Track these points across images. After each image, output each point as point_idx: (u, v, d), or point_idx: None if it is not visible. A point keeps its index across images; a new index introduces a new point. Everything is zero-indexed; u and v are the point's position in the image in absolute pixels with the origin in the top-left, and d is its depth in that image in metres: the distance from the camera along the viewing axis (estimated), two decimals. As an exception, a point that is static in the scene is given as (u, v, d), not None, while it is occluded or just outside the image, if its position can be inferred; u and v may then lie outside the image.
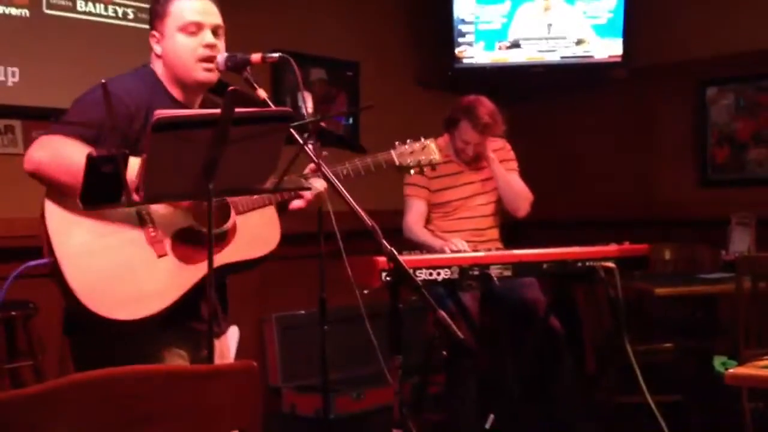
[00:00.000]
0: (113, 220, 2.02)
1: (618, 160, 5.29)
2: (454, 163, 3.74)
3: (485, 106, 3.60)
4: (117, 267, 2.01)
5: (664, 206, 4.99)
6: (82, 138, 1.99)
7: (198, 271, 2.03)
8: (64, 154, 1.95)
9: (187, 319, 2.10)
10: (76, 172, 1.82)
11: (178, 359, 2.10)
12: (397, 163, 2.50)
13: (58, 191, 2.01)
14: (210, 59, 2.15)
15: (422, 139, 2.55)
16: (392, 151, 2.51)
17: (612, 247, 3.27)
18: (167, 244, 2.07)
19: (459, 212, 3.74)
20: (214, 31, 2.17)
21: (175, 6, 2.16)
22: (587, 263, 3.20)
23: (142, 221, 2.05)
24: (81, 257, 1.98)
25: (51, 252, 1.98)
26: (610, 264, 3.18)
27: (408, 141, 2.54)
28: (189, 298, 2.06)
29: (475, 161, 3.75)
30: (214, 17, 2.19)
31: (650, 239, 3.49)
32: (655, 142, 5.16)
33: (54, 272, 1.99)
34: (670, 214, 4.87)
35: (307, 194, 2.33)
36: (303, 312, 4.36)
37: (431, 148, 2.54)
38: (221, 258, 2.13)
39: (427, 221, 3.77)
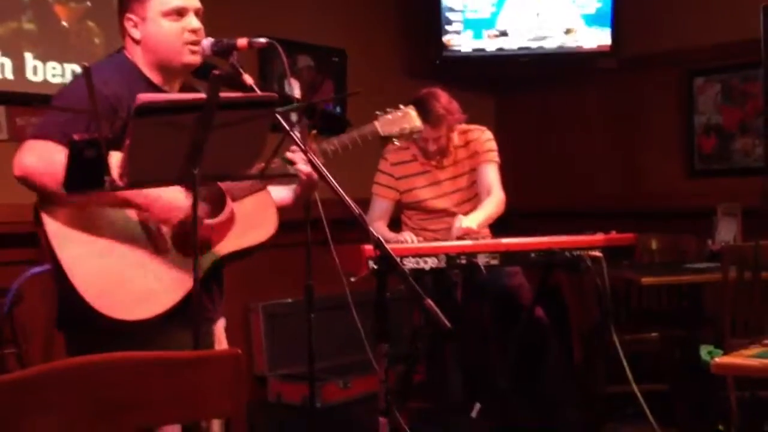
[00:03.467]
0: (112, 220, 2.01)
1: (606, 150, 5.29)
2: (419, 162, 3.64)
3: (437, 98, 3.46)
4: (122, 267, 2.00)
5: (651, 196, 5.00)
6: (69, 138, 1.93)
7: (202, 261, 2.01)
8: (54, 162, 1.91)
9: (187, 307, 2.08)
10: (63, 178, 1.80)
11: (178, 347, 2.09)
12: (382, 133, 2.50)
13: (49, 199, 1.98)
14: (196, 43, 2.13)
15: (401, 107, 2.54)
16: (375, 122, 2.50)
17: (599, 237, 3.28)
18: (169, 238, 2.06)
19: (435, 210, 3.64)
20: (196, 14, 2.15)
21: None
22: (574, 252, 3.20)
23: (141, 221, 2.04)
24: (85, 260, 1.96)
25: (53, 258, 1.97)
26: (597, 253, 3.18)
27: (388, 110, 2.53)
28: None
29: (441, 157, 3.62)
30: (196, 1, 2.17)
31: (637, 229, 3.50)
32: (642, 132, 5.16)
33: (58, 277, 1.97)
34: (657, 204, 4.88)
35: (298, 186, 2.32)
36: (289, 300, 4.34)
37: (411, 116, 2.54)
38: (223, 247, 2.14)
39: (410, 221, 3.71)
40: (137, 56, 2.17)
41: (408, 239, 3.37)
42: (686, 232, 4.44)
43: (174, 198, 2.03)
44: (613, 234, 3.32)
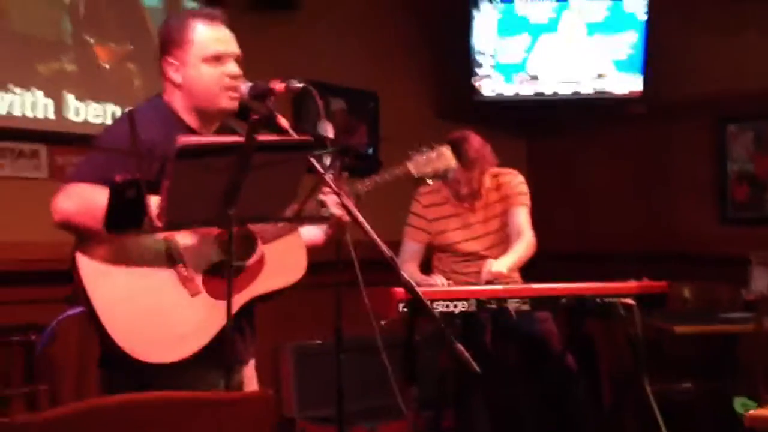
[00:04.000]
0: (145, 263, 2.04)
1: (637, 195, 5.27)
2: (451, 205, 3.65)
3: (469, 141, 3.49)
4: (152, 310, 2.02)
5: (683, 242, 4.96)
6: (107, 181, 1.95)
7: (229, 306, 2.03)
8: (92, 203, 1.94)
9: (220, 349, 2.10)
10: (102, 218, 1.83)
11: (209, 388, 2.10)
12: (415, 174, 2.50)
13: (85, 240, 2.01)
14: (235, 89, 2.16)
15: (435, 146, 2.54)
16: (408, 163, 2.50)
17: (631, 284, 3.24)
18: (199, 281, 2.08)
19: (466, 253, 3.63)
20: (235, 60, 2.19)
21: (197, 35, 2.16)
22: (606, 299, 3.17)
23: (172, 261, 2.06)
24: (116, 304, 1.99)
25: (87, 300, 2.00)
26: (630, 301, 3.14)
27: (423, 149, 2.53)
28: (224, 331, 2.07)
29: (473, 200, 3.62)
30: (235, 46, 2.21)
31: (668, 275, 3.46)
32: (674, 178, 5.14)
33: (91, 320, 2.01)
34: (689, 250, 4.84)
35: (329, 228, 2.34)
36: (319, 341, 4.34)
37: (445, 155, 2.53)
38: (252, 290, 2.15)
39: (441, 263, 3.71)
40: (176, 100, 2.20)
41: (438, 282, 3.37)
42: (719, 280, 4.39)
43: (205, 233, 2.07)
44: (645, 281, 3.28)
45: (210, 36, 2.16)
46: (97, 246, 2.01)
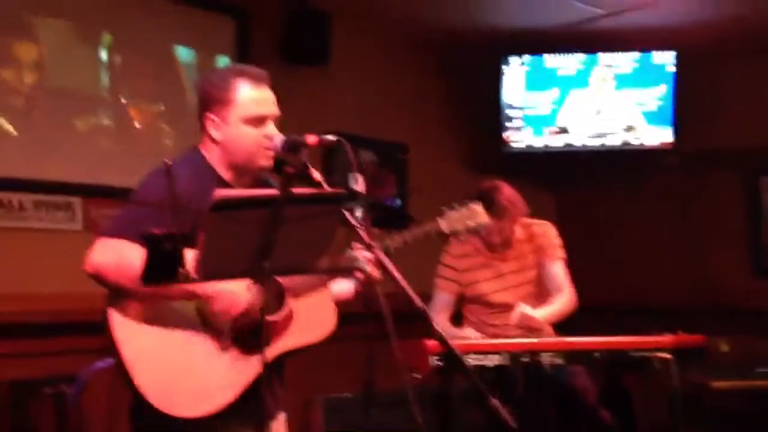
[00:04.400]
0: (175, 320, 2.06)
1: (669, 247, 5.22)
2: (482, 255, 3.63)
3: (501, 190, 3.49)
4: (182, 365, 2.04)
5: (718, 295, 4.90)
6: (143, 236, 1.96)
7: (259, 360, 2.03)
8: (126, 260, 1.97)
9: (250, 403, 2.10)
10: (135, 276, 1.84)
11: None
12: (445, 230, 2.49)
13: (118, 297, 2.04)
14: (272, 149, 2.19)
15: (468, 203, 2.54)
16: (439, 219, 2.50)
17: (667, 338, 3.19)
18: (228, 338, 2.09)
19: (497, 304, 3.60)
20: (274, 120, 2.22)
21: (240, 95, 2.18)
22: (641, 353, 3.12)
23: (203, 318, 2.08)
24: (147, 360, 2.01)
25: (118, 356, 2.02)
26: (666, 355, 3.09)
27: (454, 206, 2.53)
28: (251, 385, 2.09)
29: (504, 249, 3.62)
30: (275, 108, 2.24)
31: (704, 328, 3.40)
32: (707, 229, 5.10)
33: (121, 374, 2.02)
34: (724, 303, 4.78)
35: (357, 281, 2.34)
36: (350, 395, 4.30)
37: (477, 212, 2.53)
38: (280, 346, 2.16)
39: (471, 315, 3.68)
40: (213, 154, 2.24)
41: (471, 335, 3.34)
42: (756, 333, 4.31)
43: (237, 291, 2.06)
44: (681, 334, 3.23)
45: (253, 97, 2.19)
46: (130, 303, 2.03)
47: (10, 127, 3.67)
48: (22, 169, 3.68)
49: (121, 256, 2.01)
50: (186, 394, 2.01)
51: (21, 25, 3.70)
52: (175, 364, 2.03)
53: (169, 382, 2.01)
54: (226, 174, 2.23)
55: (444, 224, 2.52)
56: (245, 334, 2.09)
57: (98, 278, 2.04)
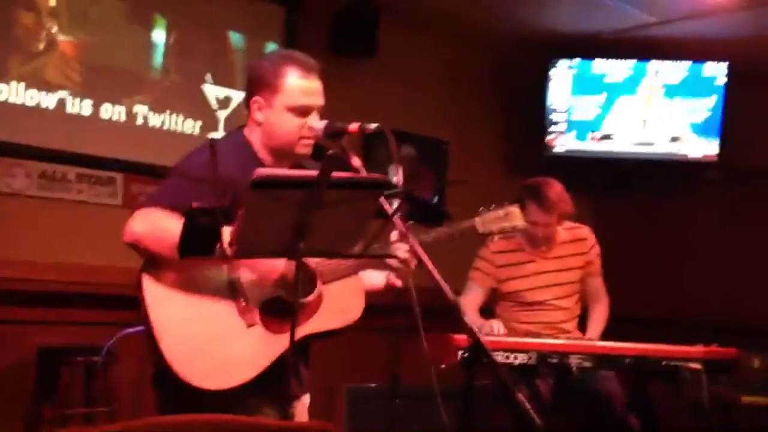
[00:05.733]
0: (206, 291, 2.08)
1: (707, 260, 5.15)
2: (523, 252, 3.62)
3: (552, 186, 3.50)
4: (208, 336, 2.06)
5: (754, 312, 4.81)
6: (181, 209, 1.98)
7: (285, 340, 2.05)
8: (162, 228, 2.00)
9: (273, 382, 2.12)
10: (172, 245, 1.88)
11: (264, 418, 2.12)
12: (481, 230, 2.49)
13: (153, 264, 2.06)
14: (311, 138, 2.20)
15: (506, 205, 2.53)
16: (476, 219, 2.50)
17: (699, 348, 3.15)
18: (257, 314, 2.12)
19: (533, 302, 3.59)
20: (319, 111, 2.23)
21: (288, 83, 2.19)
22: (672, 362, 3.09)
23: (233, 292, 2.10)
24: (175, 326, 2.04)
25: (147, 320, 2.04)
26: (697, 365, 3.05)
27: (492, 206, 2.52)
28: (276, 364, 2.10)
29: (547, 248, 3.61)
30: (320, 98, 2.23)
31: (736, 344, 3.35)
32: (747, 245, 5.01)
33: (149, 339, 2.05)
34: (758, 320, 4.69)
35: (394, 278, 2.34)
36: (374, 385, 4.31)
37: (514, 214, 2.52)
38: (307, 328, 2.17)
39: (503, 311, 3.67)
40: (255, 136, 2.25)
41: (495, 328, 3.31)
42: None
43: (273, 261, 2.09)
44: (715, 347, 3.19)
45: (301, 87, 2.19)
46: (164, 270, 2.06)
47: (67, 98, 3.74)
48: (67, 142, 3.75)
49: (158, 225, 2.03)
50: (209, 366, 2.03)
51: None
52: (201, 335, 2.05)
53: (194, 351, 2.03)
54: (265, 157, 2.25)
55: (480, 224, 2.51)
56: (273, 311, 2.11)
57: (136, 246, 2.07)
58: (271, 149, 2.24)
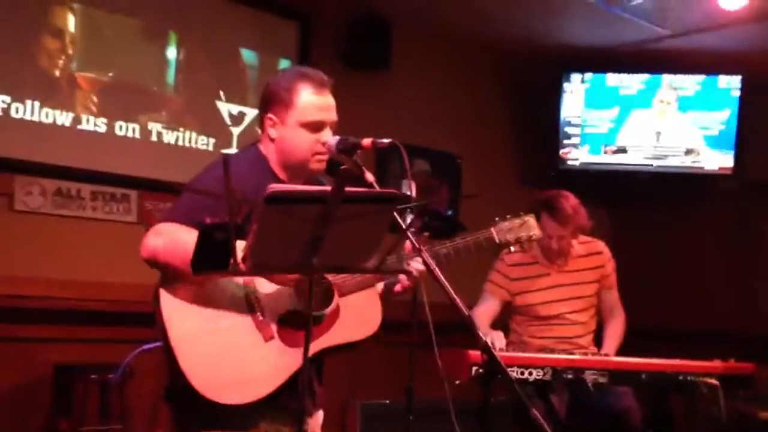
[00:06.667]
0: (223, 305, 2.08)
1: (723, 273, 5.12)
2: (538, 265, 3.60)
3: (567, 199, 3.48)
4: (226, 351, 2.06)
5: (770, 325, 4.77)
6: (197, 223, 1.97)
7: (300, 352, 2.05)
8: (179, 242, 2.00)
9: (287, 398, 2.11)
10: (188, 260, 1.86)
11: None
12: (497, 240, 2.48)
13: (170, 279, 2.07)
14: (324, 153, 2.21)
15: (522, 216, 2.53)
16: (492, 229, 2.49)
17: (716, 363, 3.12)
18: (274, 328, 2.12)
19: (548, 316, 3.57)
20: (330, 127, 2.23)
21: (301, 99, 2.20)
22: (689, 377, 3.06)
23: (250, 306, 2.11)
24: (192, 341, 2.04)
25: (165, 336, 2.05)
26: (713, 381, 3.02)
27: (507, 217, 2.52)
28: (292, 379, 2.10)
29: (562, 261, 3.59)
30: (333, 114, 2.24)
31: (752, 358, 3.32)
32: (763, 256, 4.97)
33: (166, 354, 2.06)
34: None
35: (406, 280, 2.33)
36: (387, 401, 4.30)
37: (530, 224, 2.51)
38: (323, 341, 2.17)
39: (518, 326, 3.65)
40: (269, 152, 2.27)
41: (497, 344, 3.25)
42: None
43: (290, 275, 2.09)
44: (732, 362, 3.16)
45: (313, 103, 2.20)
46: (181, 284, 2.06)
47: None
48: (81, 160, 3.78)
49: (174, 239, 2.04)
50: (226, 380, 2.03)
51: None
52: (219, 349, 2.05)
53: (212, 365, 2.03)
54: (280, 172, 2.26)
55: (496, 234, 2.51)
56: (292, 325, 2.11)
57: (152, 261, 2.08)
58: (286, 165, 2.25)
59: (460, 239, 2.44)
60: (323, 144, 2.20)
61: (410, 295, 2.48)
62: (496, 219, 2.53)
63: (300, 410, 2.13)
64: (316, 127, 2.20)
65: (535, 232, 2.54)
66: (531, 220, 2.53)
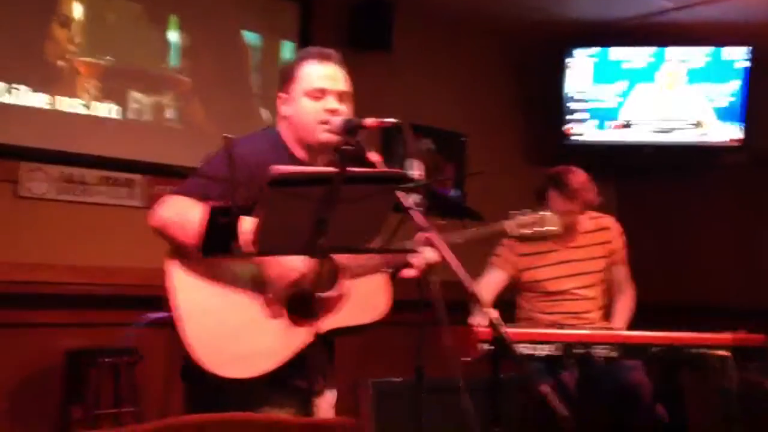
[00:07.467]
0: (232, 282, 2.09)
1: (732, 245, 5.09)
2: (546, 241, 3.44)
3: (575, 174, 3.47)
4: (232, 326, 2.07)
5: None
6: (208, 199, 2.00)
7: (308, 333, 2.06)
8: (187, 216, 2.01)
9: (295, 377, 2.12)
10: (195, 234, 1.89)
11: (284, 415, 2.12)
12: (511, 233, 2.48)
13: (179, 251, 2.07)
14: (329, 122, 2.20)
15: (540, 212, 2.53)
16: (506, 222, 2.49)
17: (726, 335, 3.11)
18: (282, 307, 2.12)
19: (557, 292, 3.57)
20: (340, 97, 2.24)
21: (303, 70, 2.24)
22: (699, 350, 3.05)
23: (259, 286, 2.11)
24: (199, 314, 2.04)
25: (171, 305, 2.05)
26: (725, 353, 3.02)
27: (526, 211, 2.51)
28: (298, 359, 2.11)
29: (570, 237, 3.55)
30: (340, 83, 2.25)
31: (762, 330, 3.31)
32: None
33: (174, 326, 2.06)
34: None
35: (418, 262, 2.32)
36: (399, 379, 4.31)
37: (548, 219, 2.51)
38: (330, 322, 2.17)
39: (526, 302, 3.65)
40: (285, 131, 2.28)
41: (479, 318, 3.17)
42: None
43: (293, 259, 2.09)
44: (742, 333, 3.15)
45: (315, 72, 2.23)
46: (190, 258, 2.06)
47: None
48: (86, 145, 3.77)
49: (183, 212, 2.05)
50: (230, 354, 2.04)
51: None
52: (225, 323, 2.06)
53: (217, 339, 2.04)
54: (298, 152, 2.27)
55: (512, 227, 2.50)
56: (297, 304, 2.11)
57: (160, 232, 2.08)
58: (301, 141, 2.26)
59: (473, 231, 2.45)
60: (329, 112, 2.20)
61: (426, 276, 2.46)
62: (512, 212, 2.52)
63: (308, 391, 2.14)
64: (317, 94, 2.21)
65: (555, 226, 2.53)
66: (549, 216, 2.52)
